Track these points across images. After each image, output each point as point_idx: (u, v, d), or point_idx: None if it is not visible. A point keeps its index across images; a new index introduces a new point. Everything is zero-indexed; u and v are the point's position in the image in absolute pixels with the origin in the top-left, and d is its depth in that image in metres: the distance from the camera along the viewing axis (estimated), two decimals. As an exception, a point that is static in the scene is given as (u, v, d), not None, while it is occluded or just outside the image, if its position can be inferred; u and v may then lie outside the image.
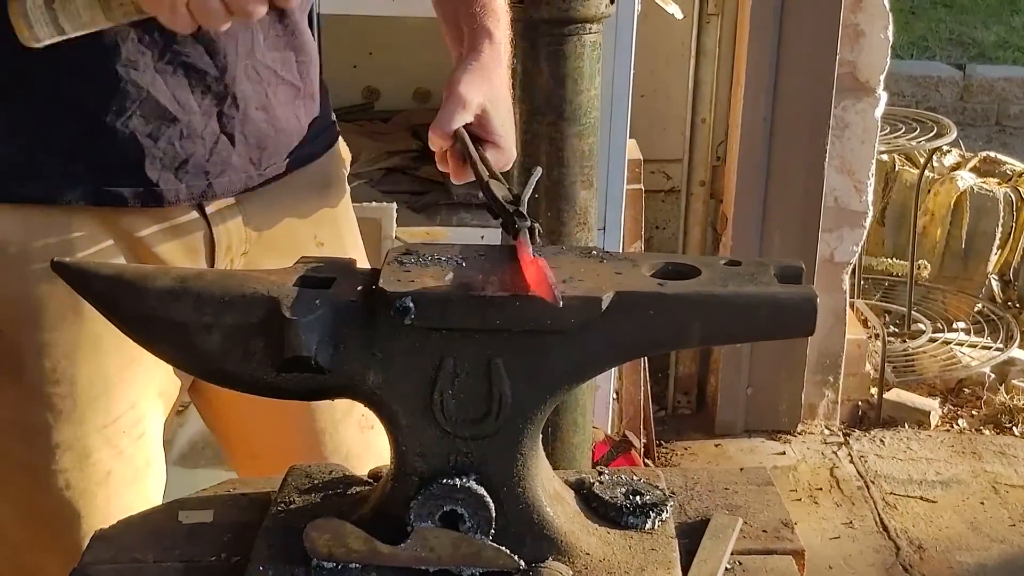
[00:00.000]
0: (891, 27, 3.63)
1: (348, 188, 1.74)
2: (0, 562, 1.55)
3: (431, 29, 3.27)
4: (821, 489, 3.52)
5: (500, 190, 1.28)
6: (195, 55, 1.43)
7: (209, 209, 1.50)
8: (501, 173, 1.38)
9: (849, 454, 3.70)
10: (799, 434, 3.79)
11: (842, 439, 3.79)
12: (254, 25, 1.47)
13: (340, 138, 1.72)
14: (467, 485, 1.12)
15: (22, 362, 1.43)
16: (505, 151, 1.46)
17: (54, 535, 1.48)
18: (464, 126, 1.42)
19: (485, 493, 1.12)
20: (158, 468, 1.58)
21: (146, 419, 1.53)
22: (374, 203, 2.65)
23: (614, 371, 3.20)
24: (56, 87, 1.40)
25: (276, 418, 1.61)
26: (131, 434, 1.51)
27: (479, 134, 1.44)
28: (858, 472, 3.61)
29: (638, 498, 1.22)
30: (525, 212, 1.21)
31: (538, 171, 1.39)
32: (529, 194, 1.26)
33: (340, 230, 1.68)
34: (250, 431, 1.68)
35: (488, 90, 1.45)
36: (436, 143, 1.44)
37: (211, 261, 1.52)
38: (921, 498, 3.48)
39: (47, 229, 1.42)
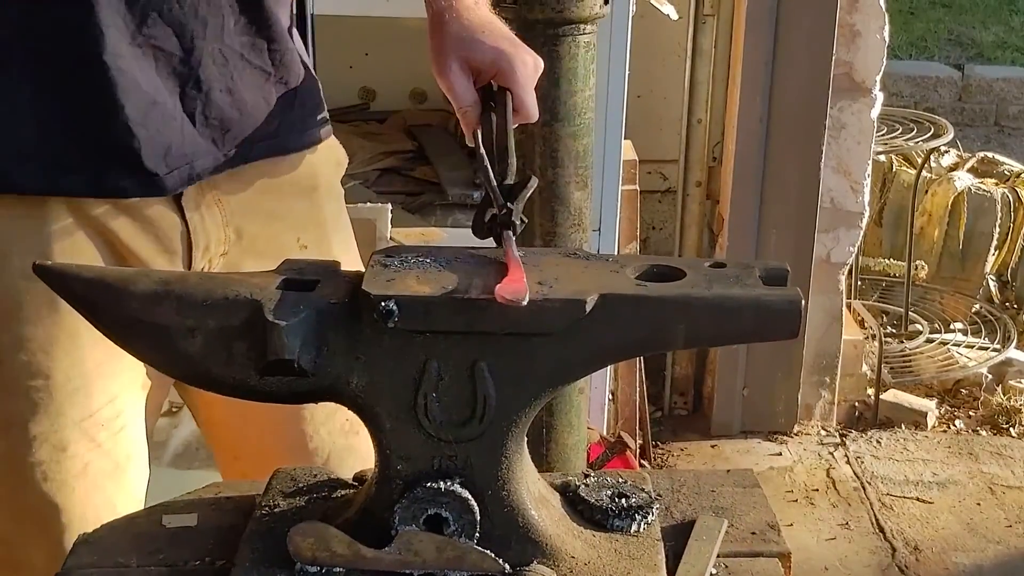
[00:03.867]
0: (887, 27, 3.62)
1: (342, 191, 1.72)
2: None
3: (425, 30, 3.26)
4: (817, 490, 3.52)
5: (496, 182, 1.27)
6: (162, 37, 1.42)
7: (187, 207, 1.50)
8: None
9: (845, 455, 3.70)
10: (795, 435, 3.78)
11: (838, 440, 3.78)
12: (225, 9, 1.47)
13: (335, 140, 1.70)
14: (451, 488, 1.12)
15: (0, 355, 1.43)
16: (517, 66, 1.44)
17: (36, 527, 1.48)
18: (480, 90, 1.43)
19: (469, 496, 1.12)
20: (140, 462, 1.57)
21: (127, 413, 1.53)
22: (368, 204, 2.65)
23: (610, 372, 3.20)
24: (46, 76, 1.39)
25: (259, 420, 1.61)
26: (110, 428, 1.50)
27: (496, 81, 1.43)
28: (854, 473, 3.60)
29: (624, 501, 1.21)
30: (515, 219, 1.22)
31: (534, 181, 1.39)
32: (523, 205, 1.26)
33: (327, 234, 1.66)
34: (233, 431, 1.68)
35: (460, 45, 1.45)
36: (466, 123, 1.44)
37: (188, 260, 1.52)
38: (917, 499, 3.48)
39: (26, 226, 1.42)
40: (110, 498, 1.48)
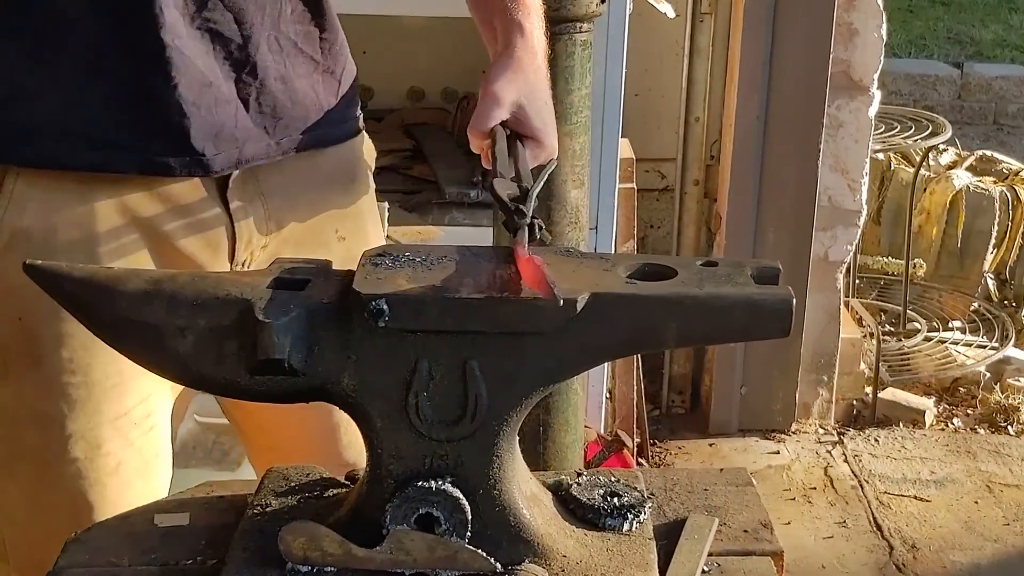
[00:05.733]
0: (884, 26, 3.62)
1: (373, 184, 1.74)
2: (13, 549, 1.56)
3: (424, 28, 3.28)
4: (815, 488, 3.52)
5: (508, 188, 1.27)
6: (223, 22, 1.45)
7: (232, 199, 1.51)
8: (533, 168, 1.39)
9: (843, 453, 3.70)
10: (793, 433, 3.78)
11: (836, 438, 3.78)
12: None
13: (366, 134, 1.72)
14: (443, 488, 1.12)
15: (40, 351, 1.44)
16: (545, 146, 1.47)
17: (65, 524, 1.47)
18: (502, 123, 1.43)
19: (461, 496, 1.12)
20: (166, 461, 1.59)
21: (157, 412, 1.54)
22: (365, 203, 2.64)
23: (607, 370, 3.20)
24: (102, 52, 1.41)
25: (293, 411, 1.61)
26: (142, 426, 1.52)
27: (518, 130, 1.45)
28: (852, 471, 3.60)
29: (616, 500, 1.21)
30: (530, 209, 1.21)
31: (552, 164, 1.40)
32: (539, 189, 1.27)
33: (364, 225, 1.68)
34: (267, 423, 1.68)
35: (522, 85, 1.45)
36: (474, 142, 1.46)
37: (231, 253, 1.53)
38: (915, 497, 3.48)
39: (71, 220, 1.43)
40: (139, 496, 1.49)
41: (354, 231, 1.64)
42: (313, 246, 1.53)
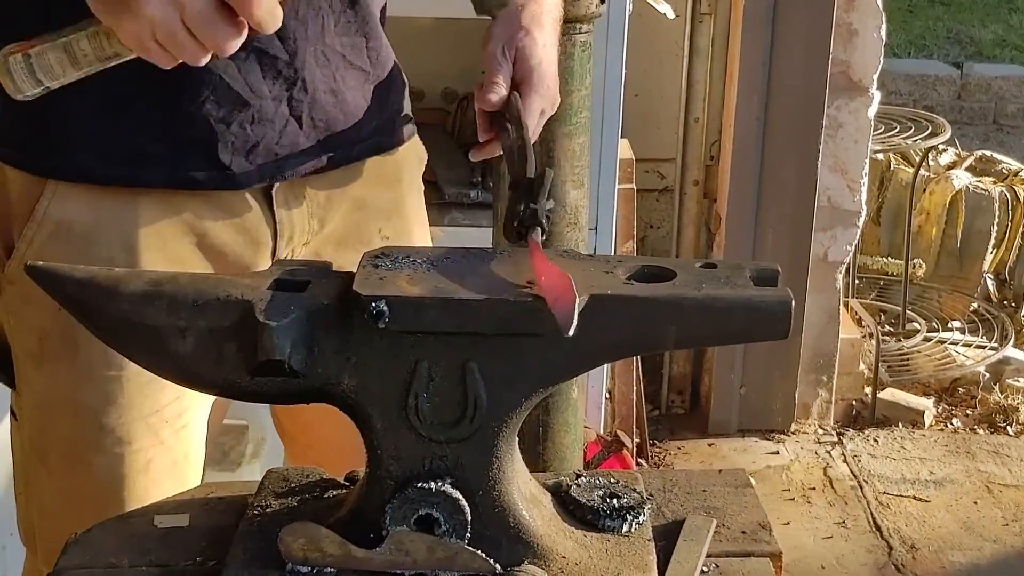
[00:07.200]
0: (884, 26, 3.62)
1: (423, 185, 1.75)
2: (42, 538, 1.57)
3: (424, 28, 3.28)
4: (814, 488, 3.52)
5: (517, 202, 1.29)
6: (265, 40, 1.45)
7: (277, 200, 1.52)
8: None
9: (843, 453, 3.70)
10: (793, 433, 3.78)
11: (836, 438, 3.78)
12: (324, 10, 1.50)
13: (417, 136, 1.73)
14: (442, 489, 1.12)
15: (78, 342, 1.44)
16: (536, 88, 1.48)
17: (93, 517, 1.48)
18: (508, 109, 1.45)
19: (460, 496, 1.12)
20: (196, 462, 1.59)
21: (190, 412, 1.54)
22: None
23: (607, 371, 3.20)
24: (130, 70, 1.41)
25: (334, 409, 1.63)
26: (174, 425, 1.52)
27: (515, 76, 1.47)
28: (851, 472, 3.60)
29: (615, 501, 1.22)
30: (541, 216, 1.25)
31: (550, 173, 1.41)
32: (546, 203, 1.30)
33: (408, 225, 1.68)
34: (309, 419, 1.68)
35: (514, 29, 1.48)
36: (481, 124, 1.49)
37: (274, 251, 1.54)
38: (914, 498, 3.48)
39: (114, 214, 1.45)
40: (167, 494, 1.49)
41: (398, 231, 1.65)
42: (355, 244, 1.54)
